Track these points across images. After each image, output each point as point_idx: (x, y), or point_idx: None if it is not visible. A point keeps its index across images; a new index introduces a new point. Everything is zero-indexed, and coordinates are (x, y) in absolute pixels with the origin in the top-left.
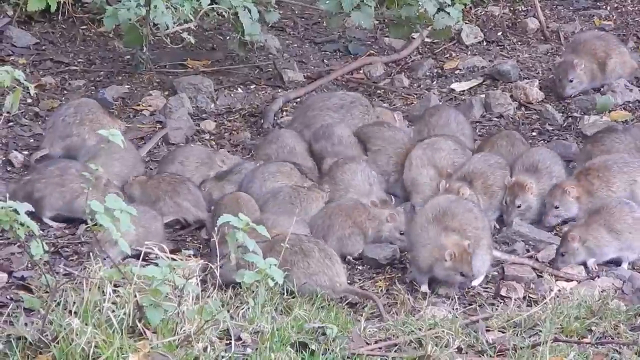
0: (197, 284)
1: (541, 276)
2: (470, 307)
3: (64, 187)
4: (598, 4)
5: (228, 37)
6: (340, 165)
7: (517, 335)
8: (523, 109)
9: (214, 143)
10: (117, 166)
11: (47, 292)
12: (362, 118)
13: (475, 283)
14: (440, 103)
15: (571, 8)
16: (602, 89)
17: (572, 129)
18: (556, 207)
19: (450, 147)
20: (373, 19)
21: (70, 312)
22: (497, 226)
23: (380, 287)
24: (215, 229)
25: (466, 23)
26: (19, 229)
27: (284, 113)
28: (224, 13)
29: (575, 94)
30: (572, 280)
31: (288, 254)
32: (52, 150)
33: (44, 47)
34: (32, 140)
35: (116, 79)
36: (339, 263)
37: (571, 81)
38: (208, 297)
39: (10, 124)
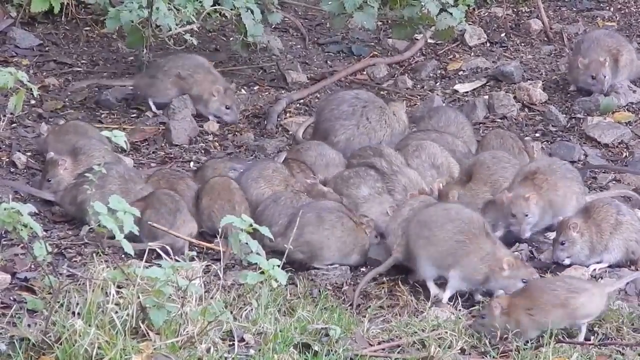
0: (200, 284)
1: (544, 276)
2: (474, 308)
3: (104, 188)
4: (601, 5)
5: (231, 39)
6: (344, 178)
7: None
8: (526, 110)
9: (217, 144)
10: None
11: (50, 293)
12: (379, 120)
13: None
14: (443, 105)
15: (574, 9)
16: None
17: (576, 130)
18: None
19: (437, 147)
20: (376, 19)
21: (73, 313)
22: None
23: (383, 288)
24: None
25: (469, 24)
26: (22, 230)
27: (288, 114)
28: (226, 14)
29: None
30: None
31: None
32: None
33: (47, 48)
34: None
35: (82, 81)
36: None
37: (605, 76)
38: (211, 298)
39: (14, 125)
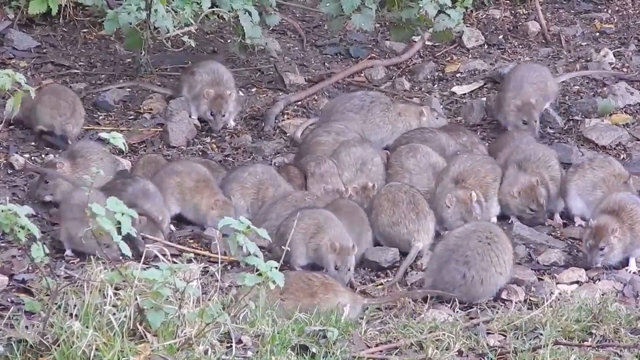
0: (198, 286)
1: (542, 279)
2: (471, 310)
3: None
4: (599, 7)
5: (229, 41)
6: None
7: (517, 338)
8: None
9: (214, 146)
10: None
11: (47, 295)
12: (383, 116)
13: None
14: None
15: (572, 11)
16: (602, 92)
17: (573, 132)
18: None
19: (430, 150)
20: (374, 21)
21: (71, 315)
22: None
23: (381, 290)
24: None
25: (467, 26)
26: (19, 231)
27: (285, 116)
28: (224, 16)
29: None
30: (572, 283)
31: None
32: None
33: (45, 50)
34: (33, 143)
35: (117, 82)
36: None
37: (536, 121)
38: (209, 299)
39: (11, 126)
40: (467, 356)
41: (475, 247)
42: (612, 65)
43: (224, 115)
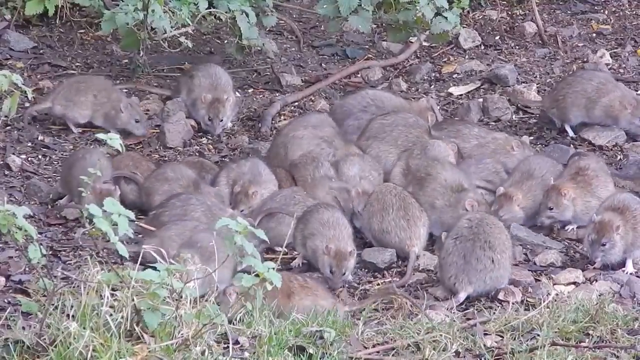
0: (195, 287)
1: (539, 280)
2: (468, 310)
3: (186, 215)
4: (596, 7)
5: (226, 41)
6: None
7: (514, 339)
8: (521, 113)
9: (211, 147)
10: None
11: (44, 295)
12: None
13: None
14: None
15: (569, 12)
16: None
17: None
18: (550, 209)
19: (440, 144)
20: (371, 23)
21: (68, 315)
22: None
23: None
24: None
25: (464, 27)
26: (17, 232)
27: (282, 117)
28: (221, 17)
29: None
30: (569, 284)
31: None
32: None
33: (41, 51)
34: (29, 144)
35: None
36: None
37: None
38: (206, 300)
39: (8, 127)
40: (464, 357)
41: (492, 232)
42: (609, 66)
43: (222, 120)
